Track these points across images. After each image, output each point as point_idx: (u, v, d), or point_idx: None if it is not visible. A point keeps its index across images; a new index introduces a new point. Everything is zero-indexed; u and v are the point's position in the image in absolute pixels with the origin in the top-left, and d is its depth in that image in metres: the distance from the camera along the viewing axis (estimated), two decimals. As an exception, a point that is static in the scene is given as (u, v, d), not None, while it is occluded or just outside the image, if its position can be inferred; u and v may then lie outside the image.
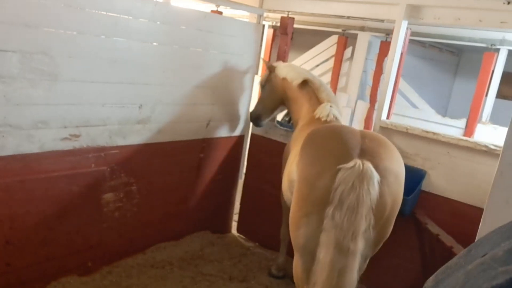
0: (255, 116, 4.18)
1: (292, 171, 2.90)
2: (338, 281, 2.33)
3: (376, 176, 2.36)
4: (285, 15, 4.49)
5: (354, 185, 2.31)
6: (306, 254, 2.57)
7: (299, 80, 3.65)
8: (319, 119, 3.39)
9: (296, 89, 3.67)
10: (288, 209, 3.22)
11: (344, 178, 2.34)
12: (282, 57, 4.65)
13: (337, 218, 2.32)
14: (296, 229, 2.59)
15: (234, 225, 4.93)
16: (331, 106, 3.47)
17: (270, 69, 3.97)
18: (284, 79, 3.79)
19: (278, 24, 5.87)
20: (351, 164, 2.36)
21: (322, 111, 3.42)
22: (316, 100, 3.55)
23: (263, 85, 4.07)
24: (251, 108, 4.34)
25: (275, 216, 4.49)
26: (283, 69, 3.84)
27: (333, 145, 2.60)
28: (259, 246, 4.57)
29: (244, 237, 4.73)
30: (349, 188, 2.31)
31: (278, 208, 4.36)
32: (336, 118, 3.44)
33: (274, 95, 3.96)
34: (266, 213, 4.51)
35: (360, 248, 2.35)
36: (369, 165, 2.36)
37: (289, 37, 4.63)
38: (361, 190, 2.31)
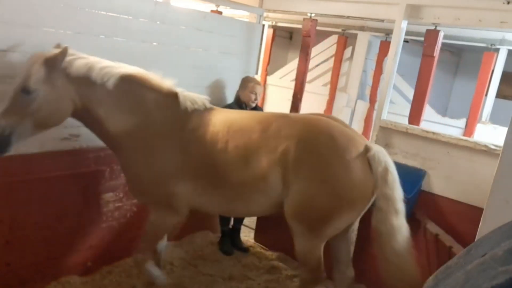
0: (6, 137, 2.48)
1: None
2: None
3: None
4: (307, 17, 4.37)
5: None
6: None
7: (117, 76, 2.72)
8: (195, 110, 2.91)
9: (112, 89, 2.71)
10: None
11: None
12: (304, 61, 4.56)
13: None
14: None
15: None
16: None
17: (55, 65, 2.56)
18: (85, 78, 2.64)
19: (278, 24, 5.89)
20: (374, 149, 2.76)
21: (194, 100, 2.94)
22: (163, 91, 2.87)
23: (32, 90, 2.50)
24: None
25: (276, 216, 4.48)
26: (77, 66, 2.62)
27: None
28: (259, 246, 4.56)
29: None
30: None
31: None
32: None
33: (62, 105, 2.64)
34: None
35: None
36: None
37: (312, 39, 4.48)
38: None
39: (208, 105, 3.00)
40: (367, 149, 2.72)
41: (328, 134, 2.73)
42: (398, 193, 2.74)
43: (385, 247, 2.79)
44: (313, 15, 4.36)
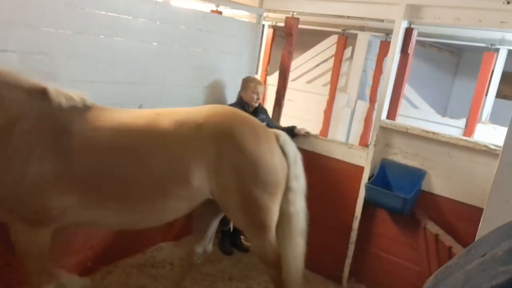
0: None
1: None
2: None
3: None
4: (290, 16, 4.46)
5: None
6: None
7: None
8: (74, 109, 2.46)
9: None
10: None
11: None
12: (286, 58, 4.63)
13: None
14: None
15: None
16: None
17: None
18: None
19: (278, 24, 5.89)
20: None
21: (70, 97, 2.47)
22: (24, 86, 2.37)
23: None
24: None
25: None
26: None
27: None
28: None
29: (245, 238, 4.66)
30: None
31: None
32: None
33: None
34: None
35: None
36: None
37: (294, 37, 4.60)
38: None
39: (90, 102, 2.53)
40: (276, 136, 2.87)
41: (248, 126, 2.77)
42: (303, 174, 2.95)
43: (290, 228, 2.90)
44: (295, 13, 4.40)
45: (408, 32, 3.71)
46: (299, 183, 2.91)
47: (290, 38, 4.56)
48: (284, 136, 2.92)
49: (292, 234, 2.91)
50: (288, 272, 2.89)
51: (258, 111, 4.11)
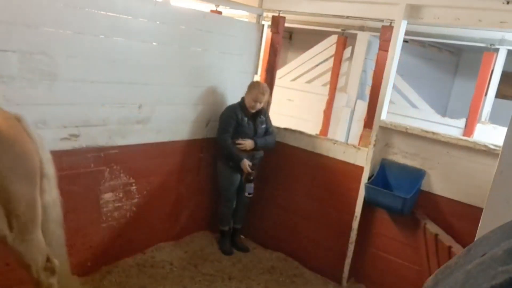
0: None
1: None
2: None
3: None
4: (276, 14, 4.52)
5: None
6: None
7: None
8: None
9: None
10: None
11: None
12: (273, 55, 4.64)
13: None
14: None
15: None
16: None
17: None
18: None
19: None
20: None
21: None
22: None
23: None
24: None
25: (276, 217, 4.50)
26: None
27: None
28: (259, 246, 4.57)
29: (245, 237, 4.69)
30: None
31: (279, 209, 4.37)
32: None
33: None
34: (267, 214, 4.53)
35: None
36: None
37: (280, 35, 4.65)
38: None
39: None
40: (18, 119, 2.44)
41: None
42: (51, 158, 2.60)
43: (46, 220, 2.56)
44: (281, 12, 4.45)
45: (389, 30, 3.74)
46: (51, 169, 2.58)
47: (277, 36, 4.60)
48: (24, 118, 2.47)
49: (49, 226, 2.60)
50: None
51: (259, 113, 4.12)
